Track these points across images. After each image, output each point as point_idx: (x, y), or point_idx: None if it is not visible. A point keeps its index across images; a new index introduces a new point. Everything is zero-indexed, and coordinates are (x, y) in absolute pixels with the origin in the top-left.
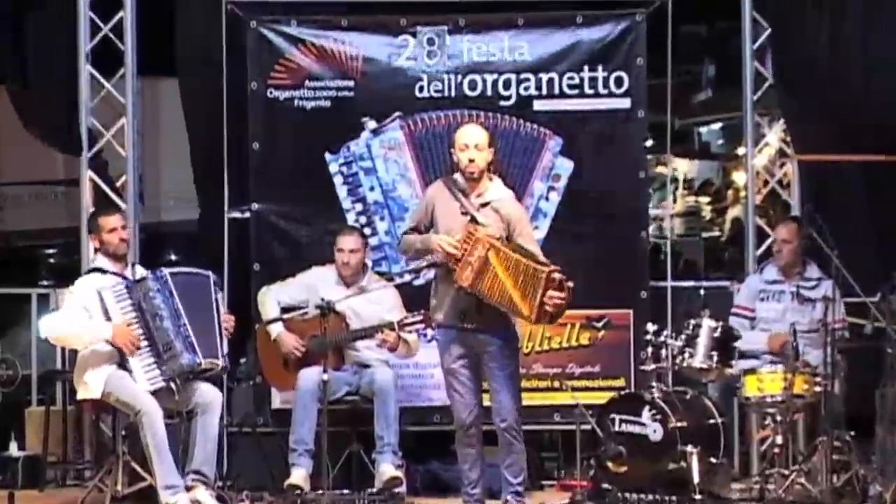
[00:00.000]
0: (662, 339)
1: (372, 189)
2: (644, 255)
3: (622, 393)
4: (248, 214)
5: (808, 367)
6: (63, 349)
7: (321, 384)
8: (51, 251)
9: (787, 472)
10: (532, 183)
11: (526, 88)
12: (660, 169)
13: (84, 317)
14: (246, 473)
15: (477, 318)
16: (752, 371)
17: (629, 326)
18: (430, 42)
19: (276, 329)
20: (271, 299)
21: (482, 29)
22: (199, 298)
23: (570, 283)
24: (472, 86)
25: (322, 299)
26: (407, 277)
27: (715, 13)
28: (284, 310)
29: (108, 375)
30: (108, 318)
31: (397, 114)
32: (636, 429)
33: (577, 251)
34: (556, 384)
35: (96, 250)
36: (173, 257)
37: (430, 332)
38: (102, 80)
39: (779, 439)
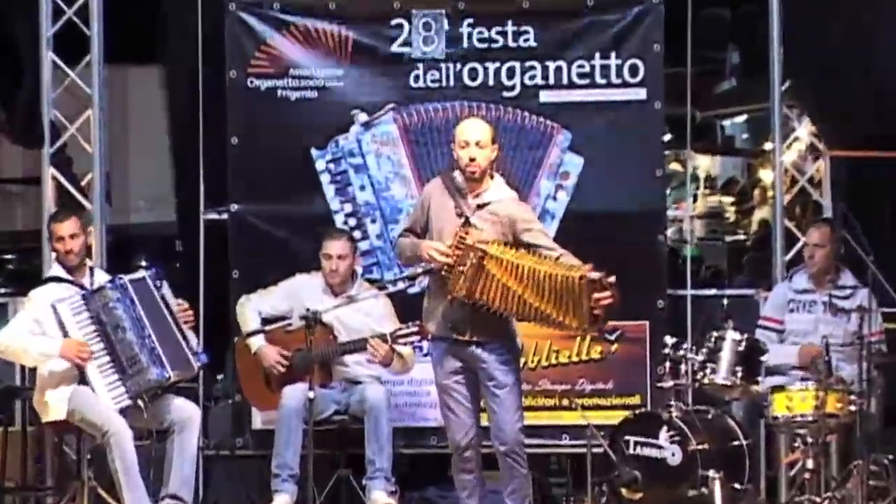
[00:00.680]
0: (682, 353)
1: (362, 188)
2: (661, 261)
3: (637, 412)
4: (225, 216)
5: (842, 384)
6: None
7: (306, 403)
8: (9, 256)
9: (818, 499)
10: (538, 181)
11: (531, 78)
12: (679, 166)
13: (35, 330)
14: (223, 501)
15: (471, 328)
16: (780, 388)
17: (645, 339)
18: (427, 27)
19: (257, 342)
20: (251, 310)
21: (483, 13)
22: (151, 302)
23: (612, 279)
24: (473, 75)
25: (307, 309)
26: (401, 285)
27: None
28: (266, 321)
29: (72, 393)
30: (65, 334)
31: (390, 105)
32: (653, 452)
33: (588, 256)
34: (565, 402)
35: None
36: (144, 263)
37: (426, 345)
38: (66, 68)
39: (810, 463)
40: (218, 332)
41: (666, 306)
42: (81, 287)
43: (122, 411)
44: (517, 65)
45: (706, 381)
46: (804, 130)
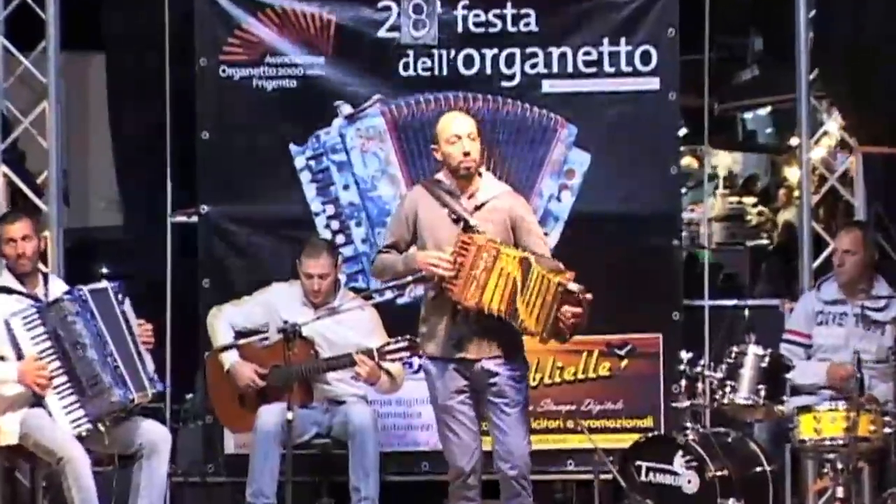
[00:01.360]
0: (699, 369)
1: (346, 188)
2: (676, 268)
3: (650, 435)
4: (195, 219)
5: (876, 405)
6: None
7: (284, 424)
8: None
9: None
10: (540, 180)
11: (533, 66)
12: (695, 163)
13: None
14: None
15: (479, 345)
16: (807, 409)
17: (658, 354)
18: (418, 10)
19: (230, 358)
20: (223, 322)
21: None
22: (113, 317)
23: (589, 296)
24: (468, 63)
25: (285, 321)
26: (389, 295)
27: None
28: (239, 334)
29: (25, 415)
30: (19, 352)
31: (377, 96)
32: (667, 478)
33: (595, 263)
34: (570, 424)
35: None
36: (105, 271)
37: (416, 361)
38: (19, 55)
39: (840, 491)
40: (187, 347)
41: (681, 318)
42: (35, 298)
43: (81, 436)
44: (517, 52)
45: (726, 400)
46: (834, 124)
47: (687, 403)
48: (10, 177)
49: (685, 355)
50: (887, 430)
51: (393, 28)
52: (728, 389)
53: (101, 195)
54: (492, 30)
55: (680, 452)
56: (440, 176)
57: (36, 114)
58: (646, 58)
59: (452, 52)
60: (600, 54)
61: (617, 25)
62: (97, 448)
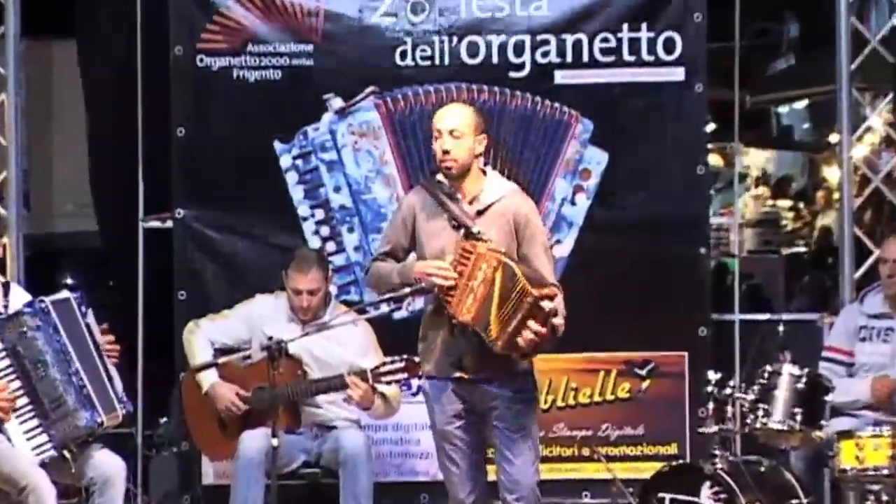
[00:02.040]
0: (728, 391)
1: (337, 190)
2: (704, 279)
3: (674, 464)
4: (169, 224)
5: None
6: None
7: (269, 452)
8: None
9: None
10: (552, 181)
11: (545, 55)
12: (724, 163)
13: None
14: None
15: (479, 364)
16: (848, 434)
17: (683, 374)
18: None
19: (209, 378)
20: (201, 338)
21: None
22: (77, 331)
23: (559, 321)
24: (473, 51)
25: (270, 338)
26: (385, 308)
27: None
28: (219, 352)
29: None
30: None
31: (371, 88)
32: None
33: (613, 273)
34: (586, 452)
35: None
36: (69, 281)
37: (415, 382)
38: None
39: None
40: (160, 366)
41: (709, 334)
42: None
43: (44, 464)
44: (527, 39)
45: (758, 425)
46: (878, 119)
47: (715, 429)
48: None
49: (713, 375)
50: None
51: (388, 13)
52: (761, 413)
53: (67, 198)
54: (499, 14)
55: (707, 483)
56: (440, 176)
57: None
58: (669, 45)
59: (455, 40)
60: (619, 41)
61: (637, 10)
62: (61, 478)
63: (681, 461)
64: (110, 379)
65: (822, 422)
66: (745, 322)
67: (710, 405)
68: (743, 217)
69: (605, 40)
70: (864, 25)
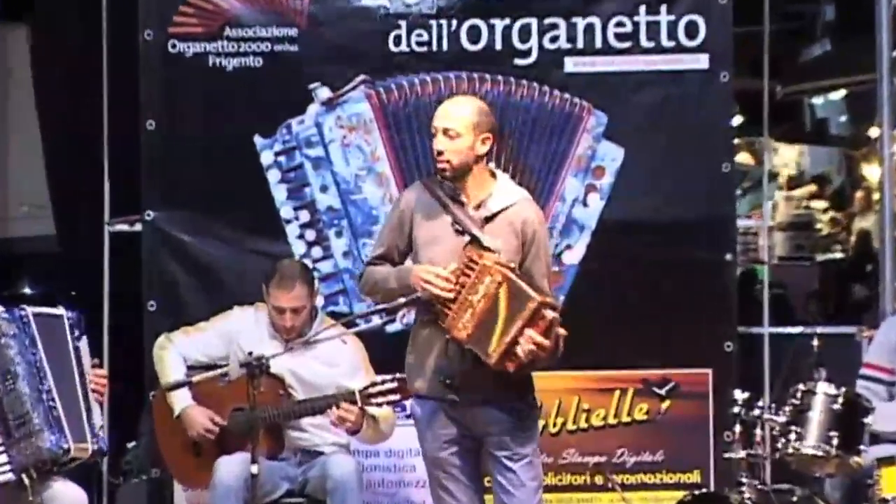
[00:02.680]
0: (757, 412)
1: (324, 189)
2: (730, 288)
3: (697, 493)
4: (138, 227)
5: None
6: None
7: (248, 479)
8: None
9: None
10: (562, 180)
11: (553, 40)
12: (753, 159)
13: None
14: None
15: (474, 383)
16: (890, 461)
17: (707, 394)
18: None
19: (182, 399)
20: (173, 355)
21: None
22: (60, 351)
23: (563, 331)
24: (474, 36)
25: (249, 354)
26: (376, 321)
27: None
28: (193, 370)
29: None
30: None
31: (362, 77)
32: None
33: (629, 282)
34: (599, 480)
35: None
36: (28, 290)
37: (409, 403)
38: None
39: None
40: (128, 385)
41: (735, 350)
42: None
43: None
44: (533, 22)
45: (790, 450)
46: None
47: (742, 454)
48: None
49: (740, 395)
50: None
51: None
52: (793, 437)
53: (23, 199)
54: None
55: None
56: None
57: None
58: (692, 30)
59: (454, 24)
60: (636, 26)
61: None
62: None
63: (704, 490)
64: (88, 410)
65: (861, 447)
66: (776, 336)
67: (737, 428)
68: (773, 220)
69: (621, 24)
70: None
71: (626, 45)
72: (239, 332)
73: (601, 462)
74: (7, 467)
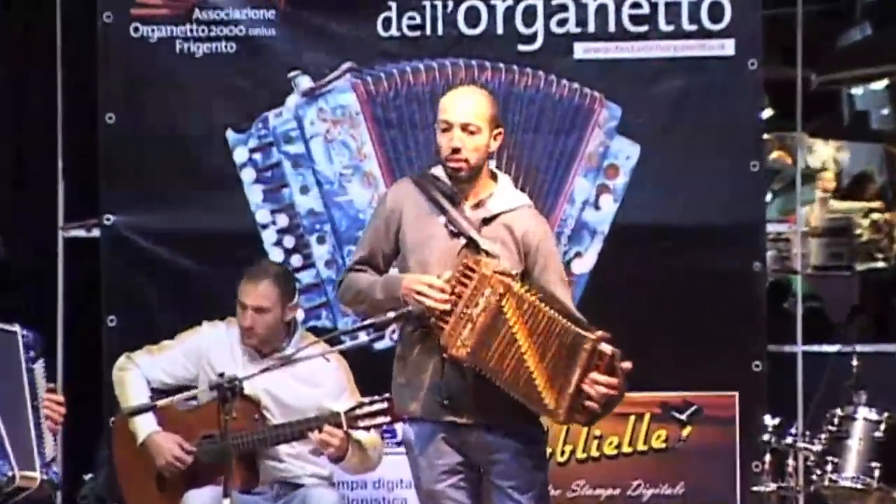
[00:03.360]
0: (789, 440)
1: (305, 190)
2: (759, 301)
3: None
4: (96, 233)
5: None
6: None
7: None
8: None
9: None
10: (571, 181)
11: (561, 24)
12: (785, 157)
13: None
14: None
15: (476, 404)
16: None
17: (734, 419)
18: None
19: (145, 426)
20: (135, 376)
21: None
22: (10, 370)
23: (627, 364)
24: (472, 19)
25: (220, 375)
26: (363, 338)
27: None
28: (158, 393)
29: None
30: None
31: (347, 65)
32: None
33: (646, 293)
34: None
35: None
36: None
37: (400, 428)
38: None
39: None
40: (85, 409)
41: (765, 370)
42: None
43: None
44: (539, 4)
45: (826, 483)
46: None
47: (773, 487)
48: None
49: (770, 421)
50: None
51: None
52: (829, 468)
53: None
54: None
55: None
56: (437, 171)
57: None
58: (716, 12)
59: (450, 5)
60: (653, 7)
61: None
62: None
63: None
64: (39, 437)
65: None
66: (810, 354)
67: (767, 458)
68: (807, 225)
69: (637, 6)
70: None
71: (643, 28)
72: (209, 351)
73: (614, 495)
74: None
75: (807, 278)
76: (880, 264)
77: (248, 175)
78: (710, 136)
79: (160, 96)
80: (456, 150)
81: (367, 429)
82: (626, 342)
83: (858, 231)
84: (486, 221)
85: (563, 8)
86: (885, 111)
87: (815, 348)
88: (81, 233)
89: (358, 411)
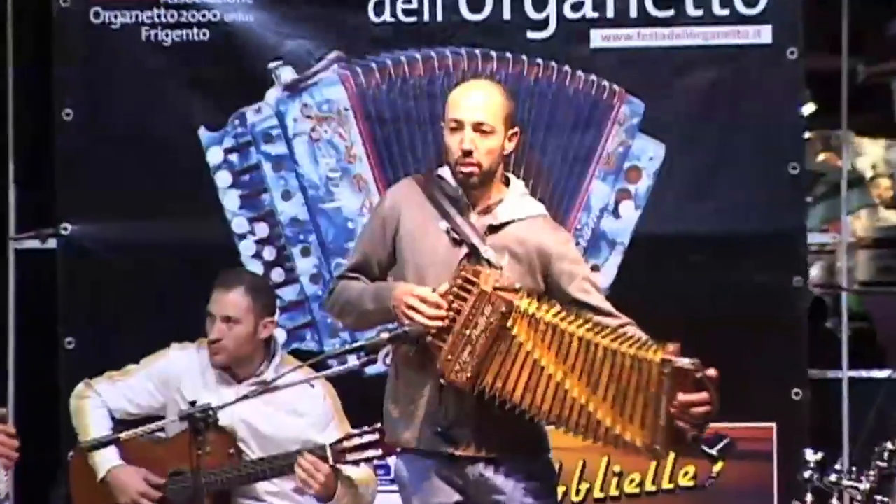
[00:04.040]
0: (833, 477)
1: (287, 196)
2: (799, 321)
3: None
4: (52, 244)
5: None
6: None
7: None
8: None
9: None
10: (587, 185)
11: (576, 8)
12: (829, 158)
13: None
14: None
15: (477, 435)
16: None
17: (771, 454)
18: None
19: (108, 460)
20: (96, 406)
21: None
22: None
23: (712, 372)
24: (475, 3)
25: (192, 403)
26: (353, 362)
27: None
28: (122, 424)
29: None
30: None
31: (335, 54)
32: None
33: (672, 313)
34: None
35: None
36: None
37: (393, 462)
38: None
39: None
40: (40, 442)
41: (806, 398)
42: None
43: None
44: None
45: None
46: None
47: None
48: None
49: (812, 456)
50: None
51: None
52: None
53: None
54: None
55: None
56: (444, 172)
57: None
58: None
59: None
60: None
61: None
62: None
63: None
64: None
65: None
66: (857, 381)
67: (808, 498)
68: (853, 235)
69: None
70: None
71: (669, 13)
72: (179, 376)
73: None
74: None
75: (853, 295)
76: None
77: (223, 179)
78: (744, 134)
79: (124, 90)
80: (467, 153)
81: (356, 463)
82: None
83: None
84: (494, 229)
85: None
86: None
87: (863, 374)
88: (35, 244)
89: (346, 444)
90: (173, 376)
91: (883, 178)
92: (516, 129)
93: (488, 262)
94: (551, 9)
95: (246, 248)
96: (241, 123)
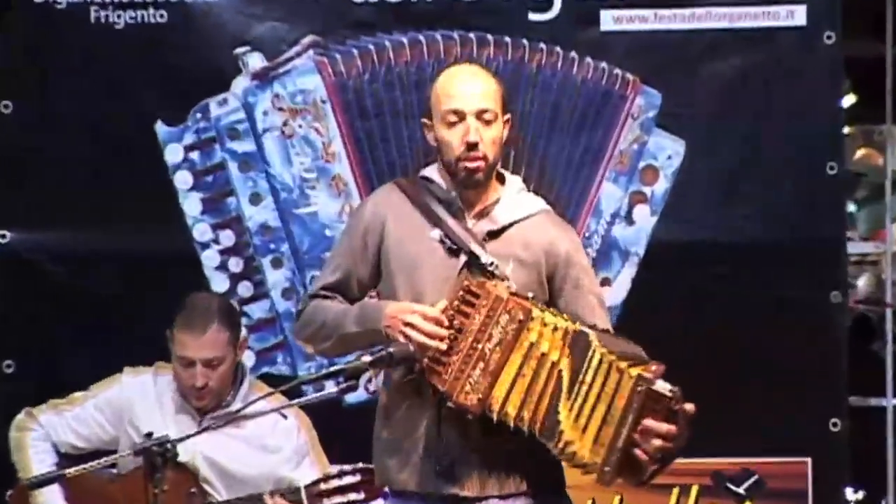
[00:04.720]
0: None
1: (256, 199)
2: (838, 342)
3: None
4: None
5: None
6: None
7: None
8: None
9: None
10: (597, 186)
11: None
12: (871, 157)
13: None
14: None
15: (482, 475)
16: None
17: (806, 492)
18: None
19: (52, 500)
20: (38, 438)
21: None
22: None
23: (690, 407)
24: None
25: (147, 436)
26: (330, 388)
27: None
28: (68, 459)
29: None
30: None
31: (310, 39)
32: None
33: (693, 332)
34: None
35: None
36: None
37: None
38: None
39: None
40: None
41: (845, 429)
42: None
43: None
44: None
45: None
46: None
47: None
48: None
49: (853, 495)
50: None
51: None
52: None
53: None
54: None
55: None
56: (431, 172)
57: None
58: None
59: None
60: None
61: None
62: None
63: None
64: None
65: None
66: None
67: None
68: None
69: None
70: None
71: None
72: (132, 405)
73: None
74: None
75: None
76: None
77: (182, 180)
78: (774, 130)
79: (71, 79)
80: (473, 146)
81: None
82: None
83: None
84: (494, 235)
85: None
86: None
87: None
88: None
89: (324, 486)
90: (126, 405)
91: None
92: (508, 115)
93: (491, 272)
94: None
95: (209, 258)
96: (203, 117)
